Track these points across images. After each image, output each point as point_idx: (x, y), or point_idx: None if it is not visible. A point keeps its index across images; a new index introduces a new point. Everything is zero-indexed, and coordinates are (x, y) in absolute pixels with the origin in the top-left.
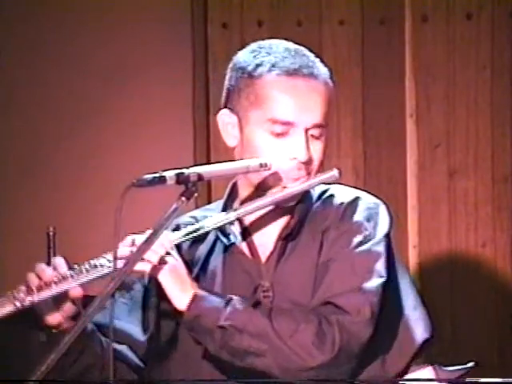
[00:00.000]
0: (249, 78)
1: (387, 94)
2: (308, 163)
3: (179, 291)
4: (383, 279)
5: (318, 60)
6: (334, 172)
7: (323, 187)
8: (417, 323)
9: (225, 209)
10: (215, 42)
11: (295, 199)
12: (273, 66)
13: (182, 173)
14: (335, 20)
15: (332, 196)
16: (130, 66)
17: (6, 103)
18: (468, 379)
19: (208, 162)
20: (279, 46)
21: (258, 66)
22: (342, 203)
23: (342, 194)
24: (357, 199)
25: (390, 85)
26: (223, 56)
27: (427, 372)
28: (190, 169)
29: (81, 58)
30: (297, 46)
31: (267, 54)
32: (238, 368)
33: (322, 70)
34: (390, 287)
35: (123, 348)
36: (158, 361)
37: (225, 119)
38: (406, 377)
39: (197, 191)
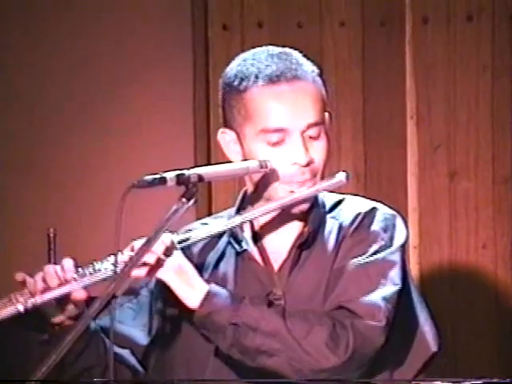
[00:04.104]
0: (237, 93)
1: (388, 95)
2: (310, 165)
3: (189, 288)
4: (398, 287)
5: (304, 59)
6: (342, 176)
7: (338, 197)
8: (426, 336)
9: None
10: (216, 43)
11: (304, 205)
12: (256, 76)
13: (183, 174)
14: (336, 21)
15: (347, 206)
16: (131, 68)
17: (8, 102)
18: (468, 379)
19: (208, 163)
20: (262, 54)
21: (242, 80)
22: (360, 213)
23: (358, 205)
24: (374, 209)
25: (390, 86)
26: (224, 57)
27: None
28: (191, 170)
29: (82, 59)
30: (281, 50)
31: (251, 65)
32: (246, 371)
33: (308, 69)
34: (405, 300)
35: (125, 352)
36: (161, 365)
37: (225, 137)
38: None
39: (197, 192)
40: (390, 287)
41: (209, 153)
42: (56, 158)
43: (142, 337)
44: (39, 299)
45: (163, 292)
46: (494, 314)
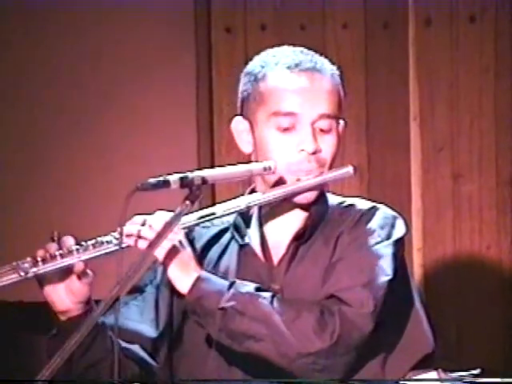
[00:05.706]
0: (255, 80)
1: (391, 97)
2: (317, 155)
3: (181, 273)
4: (388, 277)
5: (325, 60)
6: (349, 168)
7: (340, 198)
8: (423, 335)
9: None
10: (219, 46)
11: (310, 195)
12: (276, 64)
13: (186, 176)
14: (339, 23)
15: (350, 205)
16: (134, 70)
17: (8, 102)
18: (467, 379)
19: (212, 165)
20: (286, 48)
21: (262, 67)
22: (359, 211)
23: (361, 204)
24: (374, 208)
25: (393, 88)
26: (227, 60)
27: (431, 376)
28: (194, 172)
29: (86, 60)
30: (304, 48)
31: (272, 56)
32: (242, 357)
33: (328, 66)
34: (399, 290)
35: (135, 347)
36: (169, 357)
37: (238, 126)
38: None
39: (201, 195)
40: (380, 277)
41: (212, 155)
42: (58, 158)
43: (150, 330)
44: (41, 268)
45: (169, 287)
46: (500, 316)
